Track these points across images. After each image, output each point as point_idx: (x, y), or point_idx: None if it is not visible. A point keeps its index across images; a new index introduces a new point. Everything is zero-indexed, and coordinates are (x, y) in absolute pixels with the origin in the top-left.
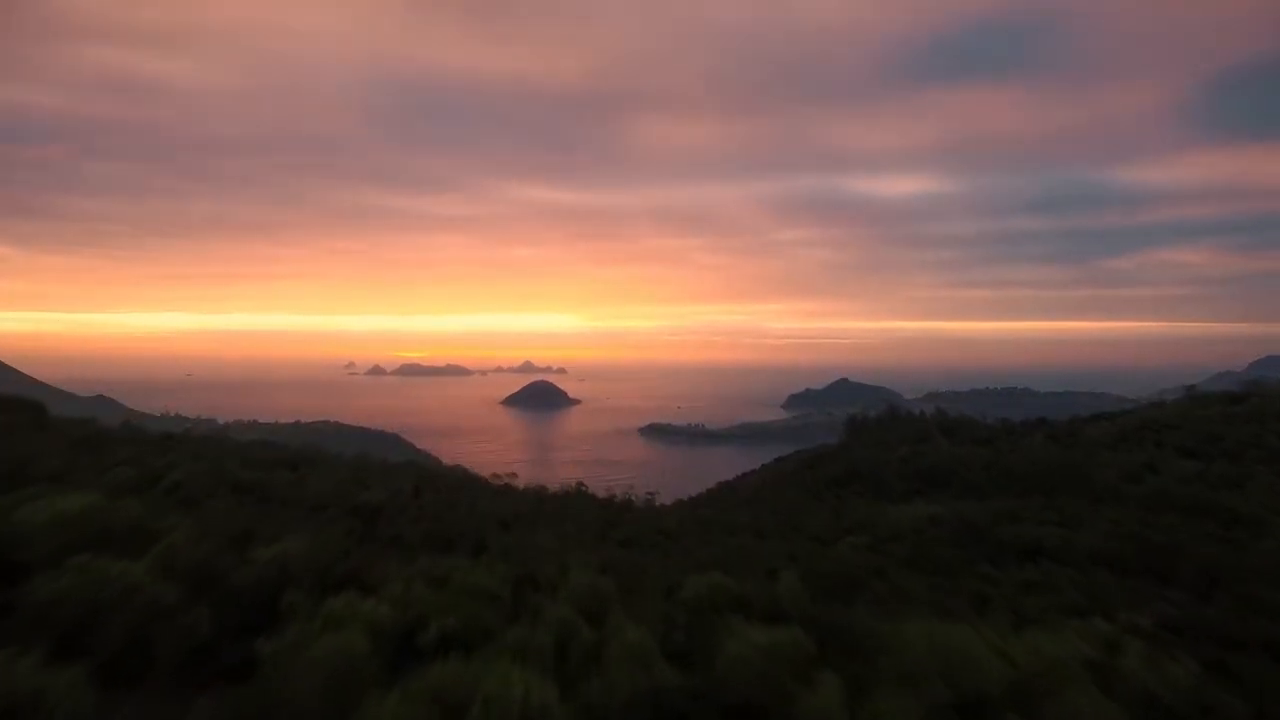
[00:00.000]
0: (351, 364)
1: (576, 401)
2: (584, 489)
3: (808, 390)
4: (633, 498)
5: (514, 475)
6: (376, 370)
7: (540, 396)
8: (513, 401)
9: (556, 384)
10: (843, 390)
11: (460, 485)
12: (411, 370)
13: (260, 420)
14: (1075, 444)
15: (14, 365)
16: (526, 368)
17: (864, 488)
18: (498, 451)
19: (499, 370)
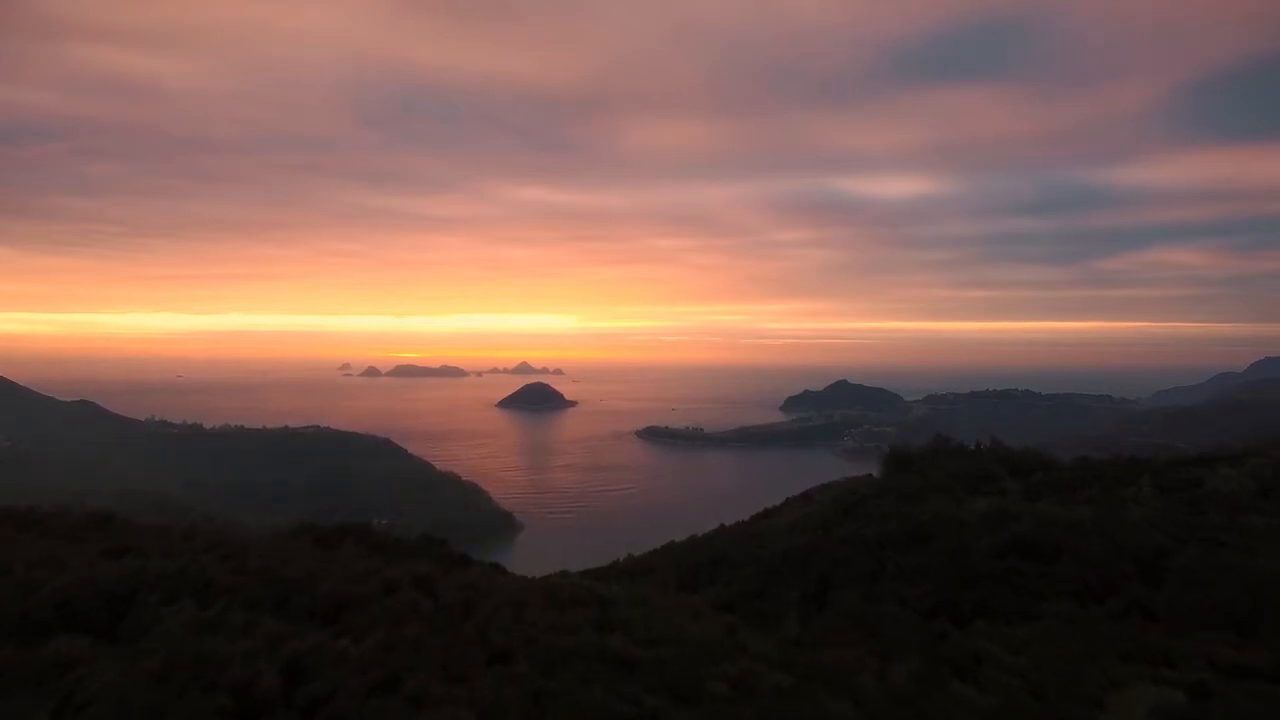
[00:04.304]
0: (346, 365)
1: (573, 403)
2: (579, 587)
3: (806, 392)
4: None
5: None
6: (371, 371)
7: (537, 398)
8: (509, 403)
9: (553, 385)
10: (842, 392)
11: (367, 653)
12: (407, 371)
13: (247, 425)
14: (1197, 500)
15: None
16: (523, 369)
17: (935, 558)
18: (493, 456)
19: (495, 371)
